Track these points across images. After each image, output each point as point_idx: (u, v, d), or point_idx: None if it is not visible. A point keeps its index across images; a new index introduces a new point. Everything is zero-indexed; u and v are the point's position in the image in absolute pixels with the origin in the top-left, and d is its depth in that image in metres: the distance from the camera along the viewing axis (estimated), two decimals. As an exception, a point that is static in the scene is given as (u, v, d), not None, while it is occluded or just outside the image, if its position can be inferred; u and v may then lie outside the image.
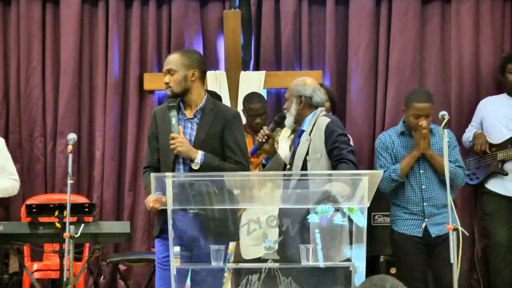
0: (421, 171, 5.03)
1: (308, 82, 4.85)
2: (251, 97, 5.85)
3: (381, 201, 5.59)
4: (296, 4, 6.31)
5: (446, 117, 4.61)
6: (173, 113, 4.27)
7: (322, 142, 4.65)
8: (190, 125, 4.32)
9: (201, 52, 6.33)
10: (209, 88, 5.94)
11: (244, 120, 5.84)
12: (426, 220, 4.99)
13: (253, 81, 6.14)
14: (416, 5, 6.26)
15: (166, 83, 4.33)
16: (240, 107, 5.97)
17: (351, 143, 4.84)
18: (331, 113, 5.13)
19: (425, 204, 5.00)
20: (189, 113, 4.35)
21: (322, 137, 4.66)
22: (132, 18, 6.37)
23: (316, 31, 6.40)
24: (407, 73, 6.25)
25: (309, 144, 4.68)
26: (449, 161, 4.89)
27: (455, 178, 5.03)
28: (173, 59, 4.33)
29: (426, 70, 6.30)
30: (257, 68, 6.36)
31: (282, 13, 6.32)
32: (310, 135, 4.70)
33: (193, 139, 4.27)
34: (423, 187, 5.01)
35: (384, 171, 4.97)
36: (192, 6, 6.34)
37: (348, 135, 4.85)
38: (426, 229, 4.98)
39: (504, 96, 5.91)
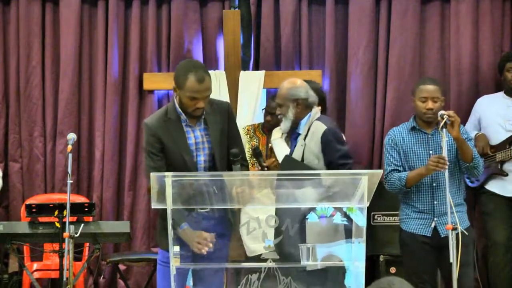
0: None
1: (298, 83, 4.78)
2: (272, 95, 5.88)
3: (381, 200, 5.59)
4: (295, 4, 6.31)
5: (446, 117, 4.60)
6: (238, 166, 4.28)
7: (319, 148, 4.62)
8: (200, 133, 4.31)
9: (201, 51, 6.35)
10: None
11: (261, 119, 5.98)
12: (435, 219, 4.75)
13: (252, 81, 6.15)
14: (415, 4, 6.26)
15: (202, 108, 4.22)
16: (239, 107, 6.01)
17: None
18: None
19: (435, 202, 4.76)
20: (193, 122, 4.31)
21: (318, 144, 4.62)
22: (131, 18, 6.37)
23: (316, 31, 6.40)
24: (406, 73, 6.25)
25: (303, 150, 4.64)
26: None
27: (478, 166, 4.80)
28: (211, 85, 4.23)
29: (426, 70, 6.30)
30: (256, 67, 6.36)
31: (282, 13, 6.32)
32: (305, 139, 4.66)
33: (209, 145, 4.28)
34: (434, 184, 4.78)
35: (392, 170, 4.82)
36: (191, 6, 6.34)
37: (343, 137, 4.81)
38: (435, 229, 4.75)
39: (501, 95, 5.90)
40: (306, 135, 4.67)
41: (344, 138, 4.89)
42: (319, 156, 4.62)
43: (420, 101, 4.79)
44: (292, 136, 4.82)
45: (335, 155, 4.60)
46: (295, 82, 4.78)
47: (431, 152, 4.79)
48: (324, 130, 4.63)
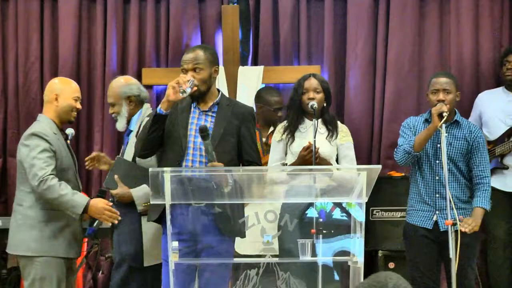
0: (437, 161, 4.72)
1: (129, 80, 4.85)
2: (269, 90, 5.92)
3: (380, 196, 5.59)
4: (294, -1, 6.31)
5: (445, 114, 4.58)
6: (208, 141, 4.14)
7: None
8: (204, 117, 4.30)
9: (199, 47, 6.35)
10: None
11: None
12: (437, 212, 4.71)
13: (251, 76, 6.14)
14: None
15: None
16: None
17: None
18: (325, 104, 4.97)
19: (437, 195, 4.72)
20: (203, 107, 4.32)
21: None
22: (130, 13, 6.37)
23: (315, 26, 6.40)
24: (405, 68, 6.25)
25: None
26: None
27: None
28: (200, 56, 4.25)
29: (425, 65, 6.30)
30: (255, 63, 6.36)
31: (281, 8, 6.32)
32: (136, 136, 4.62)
33: (210, 132, 4.25)
34: (437, 178, 4.73)
35: (401, 145, 4.78)
36: (190, 1, 6.34)
37: None
38: (436, 223, 4.71)
39: (501, 90, 5.90)
40: (137, 132, 4.65)
41: None
42: None
43: (432, 93, 4.75)
44: (126, 132, 4.87)
45: None
46: (126, 80, 4.86)
47: (438, 145, 4.71)
48: None
